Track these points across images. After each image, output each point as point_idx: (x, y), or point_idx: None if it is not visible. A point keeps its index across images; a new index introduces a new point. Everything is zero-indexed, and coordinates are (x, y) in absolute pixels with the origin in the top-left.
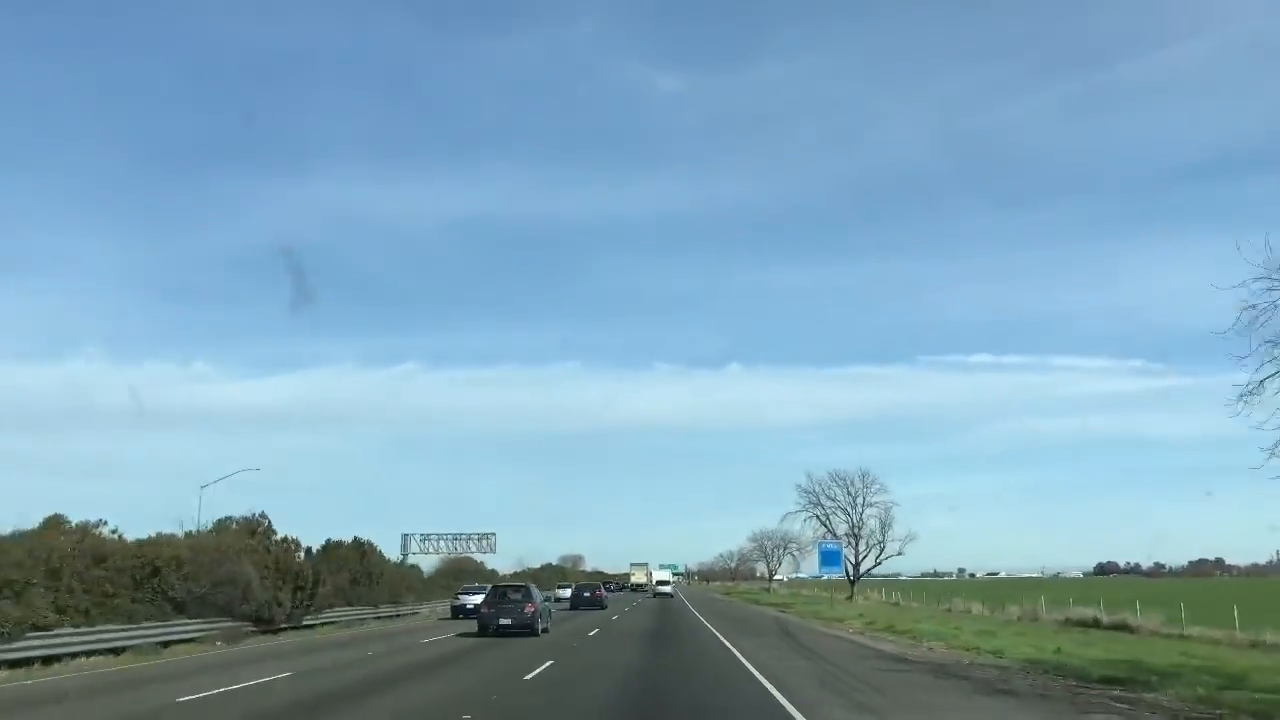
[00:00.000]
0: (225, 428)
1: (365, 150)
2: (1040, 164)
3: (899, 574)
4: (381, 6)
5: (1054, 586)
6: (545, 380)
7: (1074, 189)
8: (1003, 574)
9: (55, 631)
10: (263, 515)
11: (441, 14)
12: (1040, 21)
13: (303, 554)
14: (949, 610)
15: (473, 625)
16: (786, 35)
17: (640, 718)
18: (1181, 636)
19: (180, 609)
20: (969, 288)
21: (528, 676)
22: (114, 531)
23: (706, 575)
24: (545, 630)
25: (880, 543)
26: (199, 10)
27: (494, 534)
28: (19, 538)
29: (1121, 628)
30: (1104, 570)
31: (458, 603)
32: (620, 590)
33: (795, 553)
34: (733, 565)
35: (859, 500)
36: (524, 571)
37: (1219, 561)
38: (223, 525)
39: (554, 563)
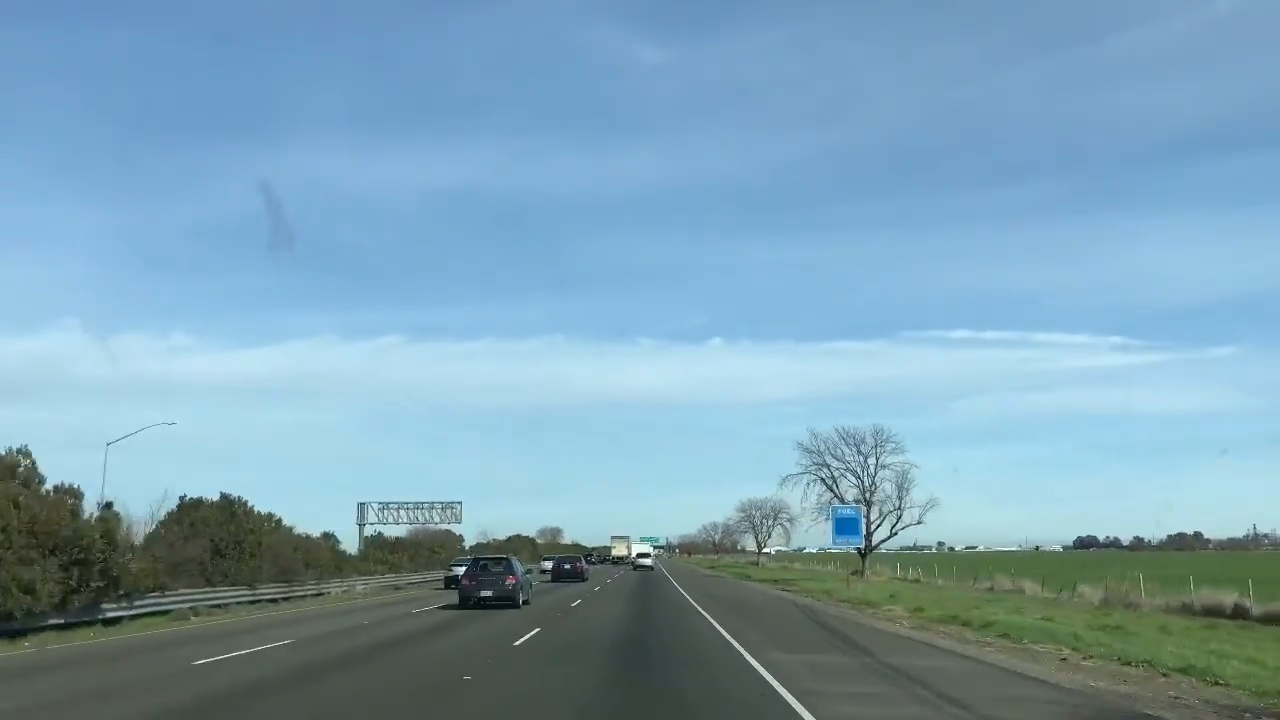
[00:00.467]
0: (205, 400)
1: (344, 120)
2: (1024, 139)
3: (880, 547)
4: None
5: (1039, 560)
6: (527, 354)
7: (1057, 165)
8: (981, 548)
9: None
10: (23, 451)
11: None
12: None
13: (98, 511)
14: (991, 589)
15: (424, 606)
16: (769, 5)
17: None
18: None
19: None
20: (950, 262)
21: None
22: None
23: (688, 548)
24: (527, 602)
25: (897, 509)
26: None
27: (460, 503)
28: None
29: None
30: (1084, 544)
31: (450, 574)
32: (602, 563)
33: (786, 523)
34: (715, 538)
35: (871, 461)
36: (489, 543)
37: (1197, 535)
38: None
39: (526, 534)
